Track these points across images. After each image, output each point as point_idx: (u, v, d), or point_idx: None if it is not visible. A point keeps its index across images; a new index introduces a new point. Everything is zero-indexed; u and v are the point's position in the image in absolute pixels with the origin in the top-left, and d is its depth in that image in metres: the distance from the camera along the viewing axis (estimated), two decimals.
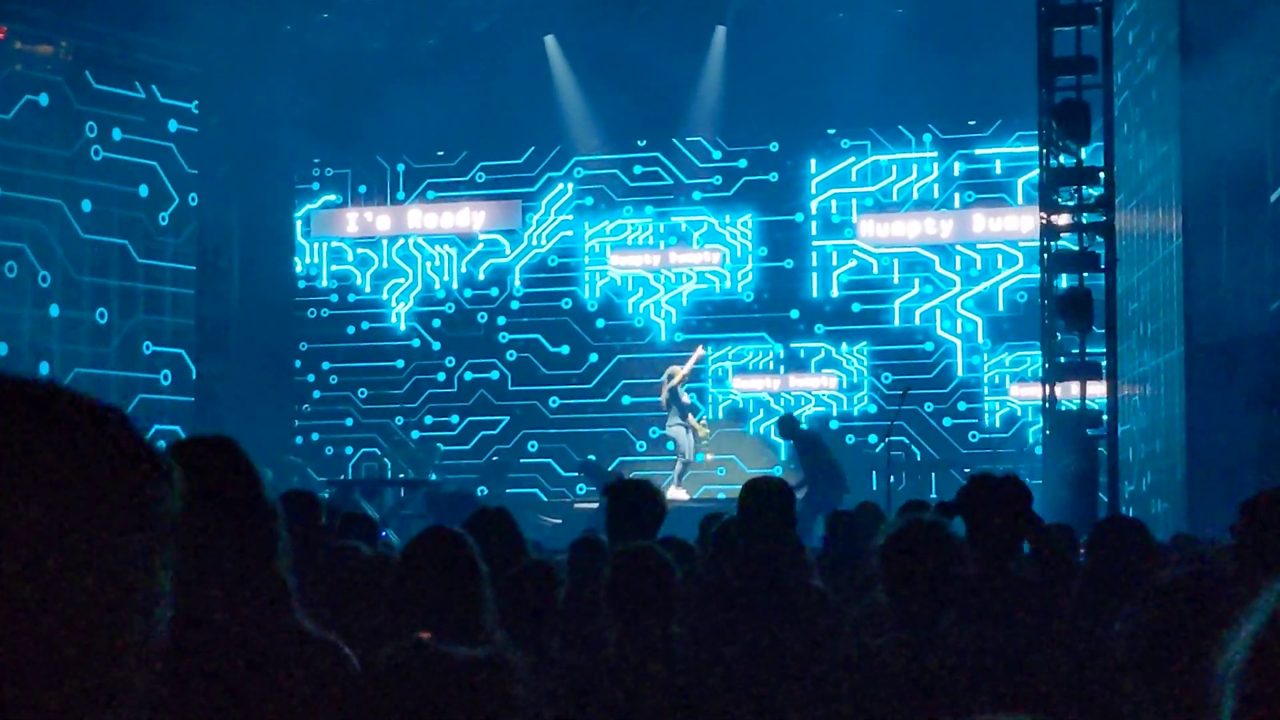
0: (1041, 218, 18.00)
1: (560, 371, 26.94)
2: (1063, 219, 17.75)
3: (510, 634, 5.17)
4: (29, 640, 1.21)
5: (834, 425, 25.84)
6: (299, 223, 27.69)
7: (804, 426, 22.03)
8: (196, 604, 3.19)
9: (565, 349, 27.02)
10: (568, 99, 26.17)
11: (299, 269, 27.71)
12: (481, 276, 27.42)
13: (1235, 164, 16.84)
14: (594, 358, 26.92)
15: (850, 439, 25.76)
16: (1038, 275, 25.30)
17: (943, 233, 26.27)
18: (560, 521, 22.02)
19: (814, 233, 26.66)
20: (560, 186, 27.28)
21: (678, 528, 10.00)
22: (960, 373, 25.85)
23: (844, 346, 26.28)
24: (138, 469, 1.30)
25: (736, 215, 26.84)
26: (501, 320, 27.27)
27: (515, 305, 27.28)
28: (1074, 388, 24.88)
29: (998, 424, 25.74)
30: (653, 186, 27.10)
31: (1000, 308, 25.82)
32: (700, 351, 25.00)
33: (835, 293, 26.43)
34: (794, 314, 26.45)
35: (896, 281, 26.24)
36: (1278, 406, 16.80)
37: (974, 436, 25.64)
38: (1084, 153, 17.84)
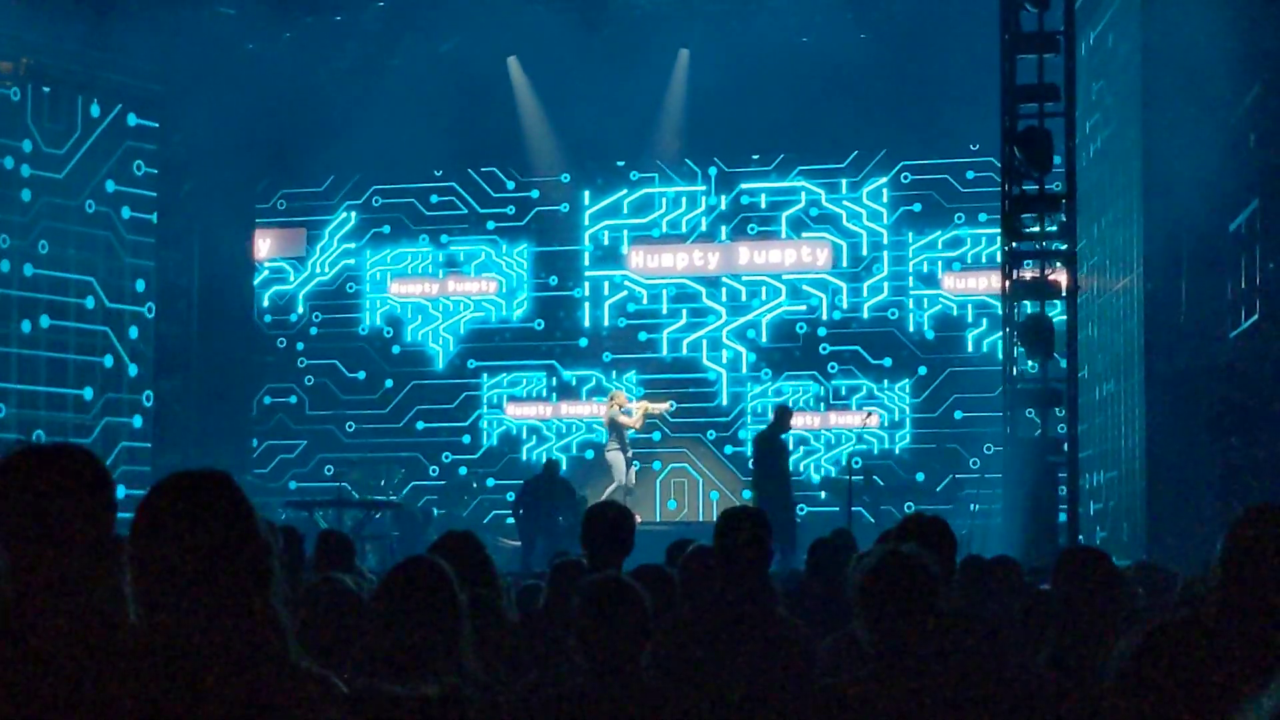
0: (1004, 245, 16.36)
1: (356, 396, 24.74)
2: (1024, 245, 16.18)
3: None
4: None
5: None
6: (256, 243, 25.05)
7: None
8: (190, 639, 3.06)
9: (361, 374, 24.86)
10: (530, 122, 23.59)
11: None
12: (266, 303, 25.07)
13: (1195, 192, 15.62)
14: (389, 383, 24.78)
15: (636, 464, 23.79)
16: (801, 308, 24.33)
17: (710, 264, 24.62)
18: (519, 544, 19.49)
19: (587, 263, 24.71)
20: (344, 215, 25.09)
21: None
22: (725, 401, 24.22)
23: (614, 374, 24.38)
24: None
25: (513, 245, 24.77)
26: (300, 345, 24.94)
27: (314, 331, 24.98)
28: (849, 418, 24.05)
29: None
30: (447, 216, 25.01)
31: (764, 339, 24.27)
32: (666, 405, 22.50)
33: (608, 322, 24.55)
34: (583, 342, 24.55)
35: (665, 312, 24.49)
36: (1237, 434, 15.66)
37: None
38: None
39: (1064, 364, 15.81)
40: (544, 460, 21.28)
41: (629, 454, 20.82)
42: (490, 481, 23.94)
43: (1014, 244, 16.09)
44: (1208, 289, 15.93)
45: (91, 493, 3.28)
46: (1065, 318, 15.88)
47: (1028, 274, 16.00)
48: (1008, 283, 16.08)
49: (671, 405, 22.65)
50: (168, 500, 3.22)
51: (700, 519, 23.33)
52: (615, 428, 20.67)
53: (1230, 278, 15.80)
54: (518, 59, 23.85)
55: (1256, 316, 15.44)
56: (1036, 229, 16.02)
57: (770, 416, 19.35)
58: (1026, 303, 16.03)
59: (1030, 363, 16.08)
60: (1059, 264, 15.99)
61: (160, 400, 22.25)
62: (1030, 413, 16.52)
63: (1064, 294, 15.84)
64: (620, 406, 20.95)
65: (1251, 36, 15.40)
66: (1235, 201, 15.74)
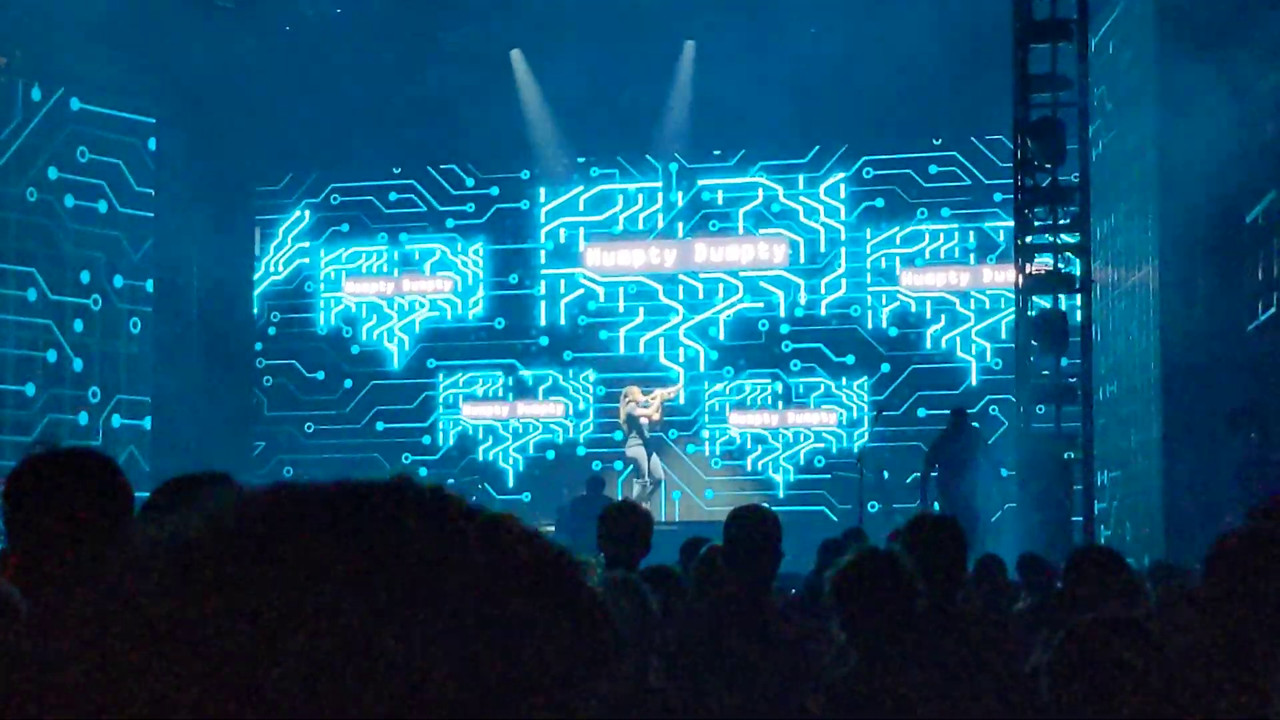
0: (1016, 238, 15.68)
1: (315, 397, 23.75)
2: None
3: None
4: None
5: (580, 451, 23.08)
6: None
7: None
8: None
9: (320, 374, 23.88)
10: (534, 116, 22.58)
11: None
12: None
13: (1212, 183, 15.04)
14: (349, 384, 23.83)
15: (597, 464, 23.02)
16: (760, 305, 23.55)
17: (666, 262, 23.79)
18: None
19: (543, 261, 23.81)
20: (299, 213, 24.13)
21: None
22: (684, 400, 23.39)
23: (571, 373, 23.50)
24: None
25: (469, 244, 23.84)
26: (259, 345, 23.95)
27: (272, 331, 24.06)
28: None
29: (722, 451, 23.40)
30: (406, 214, 24.06)
31: (723, 337, 23.48)
32: (677, 388, 21.76)
33: (564, 320, 23.63)
34: (544, 340, 23.65)
35: (623, 310, 23.61)
36: (1255, 429, 15.09)
37: (716, 464, 23.24)
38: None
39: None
40: (589, 476, 19.94)
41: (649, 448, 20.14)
42: (450, 482, 23.03)
43: (1027, 237, 15.43)
44: (1225, 281, 15.35)
45: (107, 498, 3.22)
46: (1080, 310, 15.28)
47: (1039, 268, 15.35)
48: (1021, 276, 15.42)
49: (683, 388, 22.31)
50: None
51: (663, 519, 22.51)
52: (632, 424, 19.90)
53: (1248, 270, 15.25)
54: (521, 52, 22.95)
55: (1275, 309, 14.92)
56: (1050, 222, 15.38)
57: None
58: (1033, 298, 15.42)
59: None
60: (1072, 256, 15.37)
61: (159, 400, 21.09)
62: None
63: (1078, 286, 15.23)
64: (636, 402, 20.15)
65: (1268, 25, 14.85)
66: (1252, 192, 15.21)
